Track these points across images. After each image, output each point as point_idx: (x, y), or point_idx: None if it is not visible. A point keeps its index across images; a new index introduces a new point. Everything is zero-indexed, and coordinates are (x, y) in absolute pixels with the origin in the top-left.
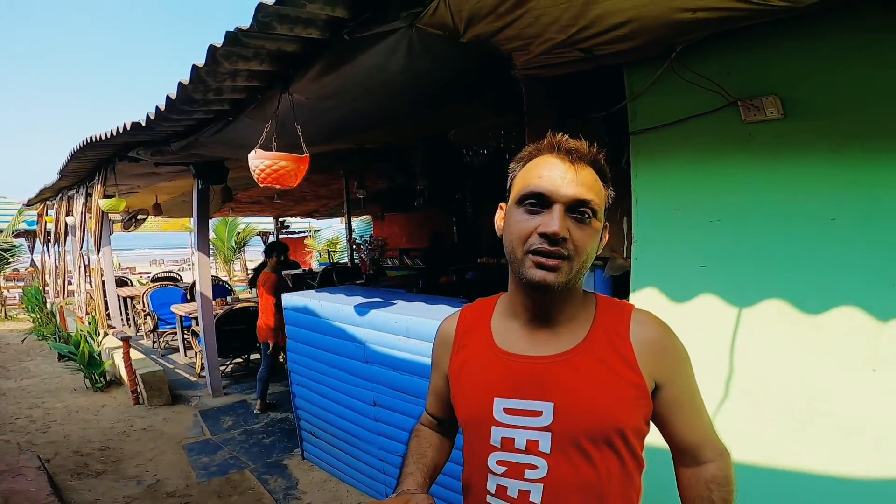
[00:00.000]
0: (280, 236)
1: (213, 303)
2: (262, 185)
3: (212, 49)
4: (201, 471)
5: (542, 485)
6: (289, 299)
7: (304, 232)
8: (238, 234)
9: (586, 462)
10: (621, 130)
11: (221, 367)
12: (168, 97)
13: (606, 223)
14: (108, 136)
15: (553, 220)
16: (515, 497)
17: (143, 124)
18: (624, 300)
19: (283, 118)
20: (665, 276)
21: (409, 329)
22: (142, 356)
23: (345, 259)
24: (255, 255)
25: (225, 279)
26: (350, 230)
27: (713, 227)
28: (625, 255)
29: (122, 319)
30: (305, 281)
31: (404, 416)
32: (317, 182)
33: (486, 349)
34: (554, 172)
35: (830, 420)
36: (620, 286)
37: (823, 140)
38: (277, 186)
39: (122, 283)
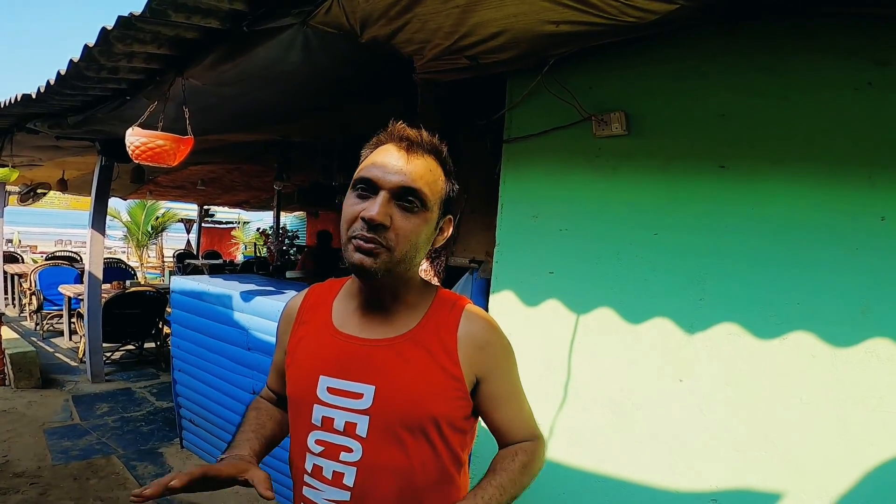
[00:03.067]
0: (203, 225)
1: (109, 285)
2: (136, 161)
3: (103, 31)
4: (59, 454)
5: (355, 468)
6: (177, 282)
7: (232, 223)
8: (157, 218)
9: (400, 449)
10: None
11: (109, 353)
12: (59, 72)
13: (450, 216)
14: (1, 105)
15: (374, 206)
16: (329, 478)
17: (34, 97)
18: (463, 297)
19: (180, 101)
20: (521, 280)
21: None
22: (16, 336)
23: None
24: (176, 242)
25: (134, 264)
26: (278, 224)
27: (562, 235)
28: (495, 259)
29: (5, 298)
30: (224, 271)
31: None
32: (248, 172)
33: (323, 328)
34: (386, 159)
35: (645, 427)
36: None
37: (654, 157)
38: (155, 164)
39: (12, 259)
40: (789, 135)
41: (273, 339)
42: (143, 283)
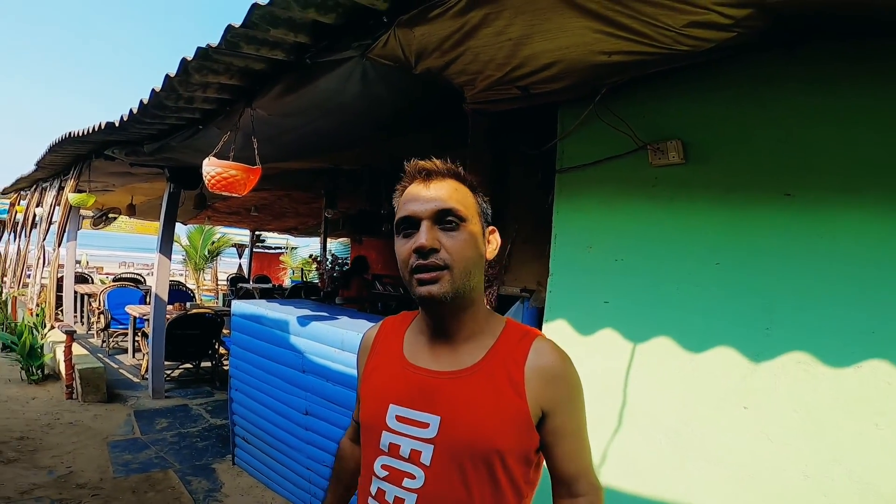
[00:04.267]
0: (254, 250)
1: (171, 307)
2: (212, 191)
3: (184, 62)
4: (120, 466)
5: (416, 495)
6: (238, 306)
7: (280, 248)
8: (213, 243)
9: (462, 480)
10: (553, 168)
11: (168, 371)
12: (141, 101)
13: (492, 227)
14: (85, 132)
15: (420, 235)
16: (391, 502)
17: (117, 125)
18: (535, 329)
19: (247, 131)
20: (574, 309)
21: (345, 341)
22: (86, 353)
23: (318, 279)
24: (228, 266)
25: (192, 287)
26: (324, 250)
27: (617, 265)
28: (548, 289)
29: (75, 316)
30: (273, 296)
31: (334, 426)
32: (298, 199)
33: (395, 358)
34: (415, 194)
35: (705, 454)
36: None
37: (713, 185)
38: (227, 193)
39: (82, 279)
40: (857, 162)
41: (327, 363)
42: (200, 305)
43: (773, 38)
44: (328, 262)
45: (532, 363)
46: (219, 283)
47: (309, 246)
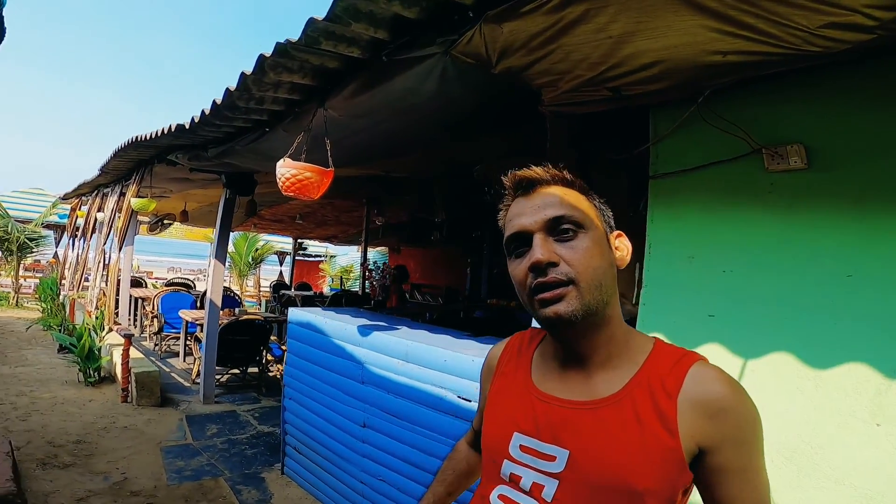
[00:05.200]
0: (296, 257)
1: (221, 312)
2: (285, 194)
3: (261, 59)
4: (174, 473)
5: None
6: (294, 313)
7: (320, 256)
8: (256, 250)
9: None
10: (642, 174)
11: (217, 377)
12: (214, 101)
13: (619, 231)
14: (153, 136)
15: (534, 250)
16: None
17: (187, 127)
18: (693, 352)
19: (316, 133)
20: (673, 323)
21: (409, 353)
22: (141, 356)
23: (356, 287)
24: (269, 273)
25: (237, 292)
26: (365, 258)
27: (725, 276)
28: (633, 302)
29: (129, 319)
30: (315, 303)
31: (393, 440)
32: (340, 207)
33: (522, 382)
34: (520, 208)
35: (829, 472)
36: None
37: (843, 193)
38: (300, 197)
39: (136, 283)
40: None
41: (389, 375)
42: (249, 311)
43: None
44: (378, 272)
45: (688, 393)
46: (261, 289)
47: (347, 255)
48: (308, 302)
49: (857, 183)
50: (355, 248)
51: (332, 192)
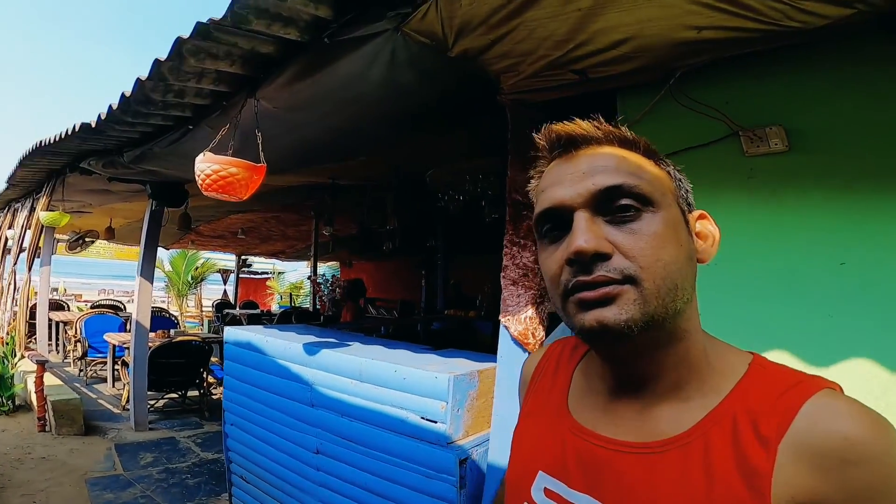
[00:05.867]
0: (240, 275)
1: (154, 334)
2: (205, 193)
3: (178, 43)
4: None
5: None
6: (231, 333)
7: (267, 273)
8: (196, 268)
9: None
10: None
11: (152, 402)
12: (123, 95)
13: (701, 212)
14: (57, 139)
15: (574, 235)
16: None
17: (94, 125)
18: (815, 376)
19: (246, 128)
20: None
21: (363, 372)
22: (59, 383)
23: (308, 303)
24: (212, 292)
25: (175, 313)
26: (315, 273)
27: (708, 268)
28: None
29: (50, 344)
30: (262, 322)
31: (351, 467)
32: (286, 221)
33: (555, 407)
34: (558, 174)
35: None
36: None
37: (831, 176)
38: (225, 197)
39: (58, 307)
40: None
41: (342, 396)
42: (186, 332)
43: (888, 19)
44: (328, 286)
45: (798, 436)
46: (203, 309)
47: (297, 270)
48: (255, 320)
49: (842, 165)
50: (304, 263)
51: (276, 204)
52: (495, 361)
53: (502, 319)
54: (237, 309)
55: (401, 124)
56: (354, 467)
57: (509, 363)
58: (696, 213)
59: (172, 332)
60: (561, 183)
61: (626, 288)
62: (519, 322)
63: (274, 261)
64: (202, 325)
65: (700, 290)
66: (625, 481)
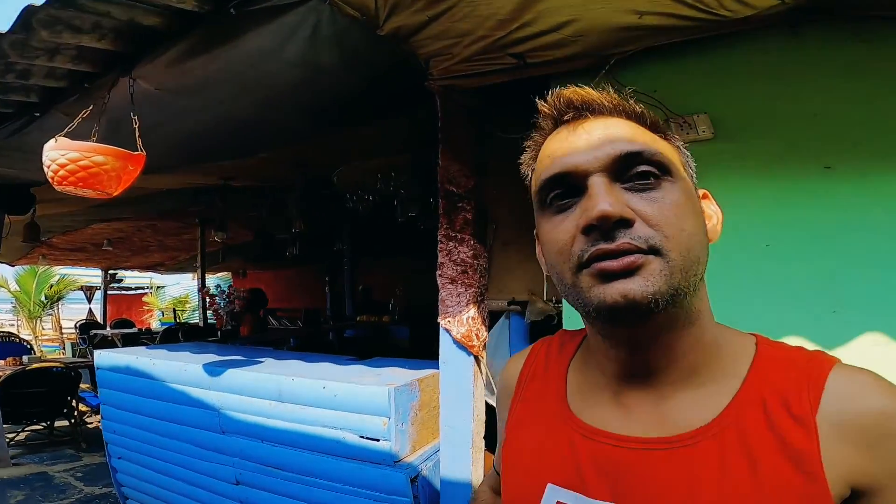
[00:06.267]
0: (108, 292)
1: (3, 362)
2: (58, 188)
3: (28, 11)
4: None
5: None
6: (104, 357)
7: (143, 288)
8: (51, 286)
9: None
10: None
11: (11, 434)
12: None
13: (704, 191)
14: None
15: (596, 199)
16: None
17: None
18: (818, 351)
19: (118, 114)
20: None
21: (283, 392)
22: None
23: (196, 318)
24: (75, 312)
25: (27, 337)
26: (203, 284)
27: None
28: (545, 297)
29: None
30: (141, 341)
31: (280, 496)
32: (165, 230)
33: (553, 412)
34: (566, 142)
35: None
36: (541, 335)
37: (750, 161)
38: (86, 193)
39: None
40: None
41: (260, 420)
42: (42, 357)
43: (811, 18)
44: (224, 298)
45: (834, 413)
46: (63, 331)
47: (179, 284)
48: (132, 340)
49: (758, 150)
50: (189, 275)
51: (153, 211)
52: (432, 368)
53: (442, 322)
54: (107, 329)
55: (318, 114)
56: (287, 497)
57: (454, 368)
58: (702, 192)
59: (26, 358)
60: (574, 147)
61: (652, 258)
62: (461, 323)
63: (151, 274)
64: (63, 348)
65: None
66: (657, 481)
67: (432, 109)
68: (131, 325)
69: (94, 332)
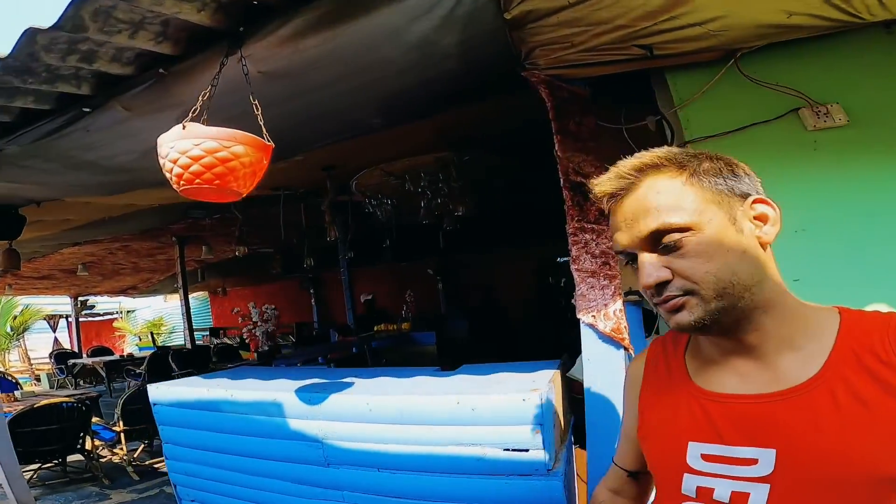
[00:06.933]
0: (80, 319)
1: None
2: (182, 192)
3: None
4: None
5: None
6: (160, 392)
7: (112, 313)
8: (15, 317)
9: None
10: (649, 141)
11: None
12: None
13: (756, 196)
14: None
15: (642, 274)
16: None
17: None
18: (892, 311)
19: (189, 107)
20: None
21: (405, 412)
22: None
23: (176, 341)
24: (38, 343)
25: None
26: (187, 306)
27: (801, 237)
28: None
29: None
30: (126, 369)
31: None
32: (138, 252)
33: (680, 387)
34: (615, 223)
35: None
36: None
37: (890, 148)
38: (209, 195)
39: None
40: None
41: (373, 447)
42: (34, 393)
43: None
44: (259, 315)
45: None
46: (32, 363)
47: (150, 307)
48: (116, 367)
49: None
50: (160, 297)
51: (129, 230)
52: (545, 368)
53: (583, 317)
54: (84, 357)
55: (400, 105)
56: None
57: (602, 364)
58: (752, 198)
59: (17, 393)
60: (619, 230)
61: (688, 298)
62: (608, 317)
63: (120, 299)
64: (37, 380)
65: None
66: (782, 424)
67: (517, 100)
68: (109, 352)
69: (72, 361)
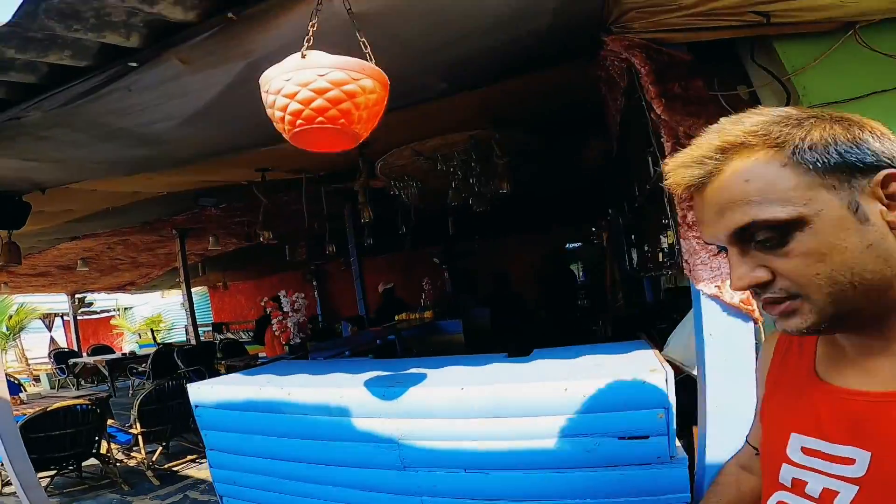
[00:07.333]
0: (79, 317)
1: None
2: (290, 139)
3: None
4: None
5: None
6: (202, 392)
7: (109, 311)
8: (10, 317)
9: None
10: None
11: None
12: None
13: (888, 171)
14: None
15: (733, 275)
16: None
17: None
18: None
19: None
20: None
21: (500, 404)
22: None
23: (175, 338)
24: (34, 342)
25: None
26: (191, 301)
27: None
28: None
29: None
30: (130, 367)
31: None
32: (136, 246)
33: (802, 373)
34: (699, 211)
35: None
36: None
37: None
38: (324, 143)
39: None
40: None
41: (459, 446)
42: (41, 394)
43: None
44: (290, 305)
45: None
46: (30, 363)
47: (148, 303)
48: (118, 365)
49: None
50: (157, 293)
51: (131, 223)
52: (636, 349)
53: (704, 288)
54: (85, 356)
55: (468, 72)
56: None
57: (727, 339)
58: (881, 175)
59: (22, 395)
60: (704, 222)
61: (798, 302)
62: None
63: (117, 296)
64: (37, 380)
65: None
66: (884, 426)
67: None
68: (110, 350)
69: (73, 360)
